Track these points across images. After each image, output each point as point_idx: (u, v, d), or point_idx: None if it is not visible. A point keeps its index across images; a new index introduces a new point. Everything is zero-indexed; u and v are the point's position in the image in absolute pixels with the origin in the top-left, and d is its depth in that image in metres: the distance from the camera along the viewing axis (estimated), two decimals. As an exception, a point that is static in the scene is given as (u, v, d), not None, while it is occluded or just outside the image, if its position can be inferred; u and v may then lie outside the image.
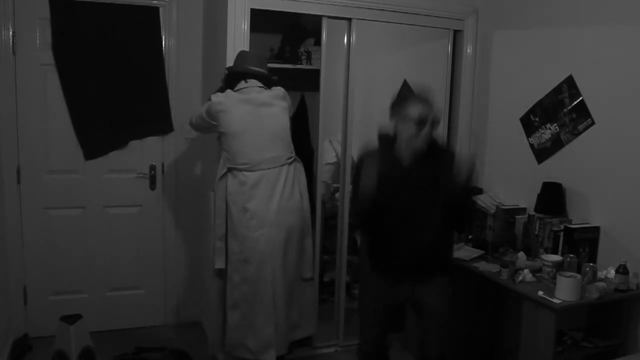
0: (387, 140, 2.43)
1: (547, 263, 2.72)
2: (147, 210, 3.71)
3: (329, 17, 3.25)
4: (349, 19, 3.30)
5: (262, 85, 2.84)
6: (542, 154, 3.22)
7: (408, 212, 2.37)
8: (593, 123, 2.92)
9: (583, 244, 2.83)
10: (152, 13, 3.53)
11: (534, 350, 2.56)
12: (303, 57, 3.67)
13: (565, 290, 2.48)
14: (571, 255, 2.72)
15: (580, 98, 2.97)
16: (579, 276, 2.53)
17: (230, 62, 2.95)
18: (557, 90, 3.10)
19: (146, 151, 3.65)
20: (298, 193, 2.87)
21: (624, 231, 2.77)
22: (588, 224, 2.89)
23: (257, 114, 2.77)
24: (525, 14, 3.33)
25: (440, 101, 3.69)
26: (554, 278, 2.59)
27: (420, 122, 2.30)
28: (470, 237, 3.32)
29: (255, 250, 2.73)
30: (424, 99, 2.34)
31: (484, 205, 3.31)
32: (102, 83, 3.46)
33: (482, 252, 3.14)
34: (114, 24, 3.43)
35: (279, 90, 2.87)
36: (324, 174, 3.56)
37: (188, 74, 3.66)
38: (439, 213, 2.37)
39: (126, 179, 3.63)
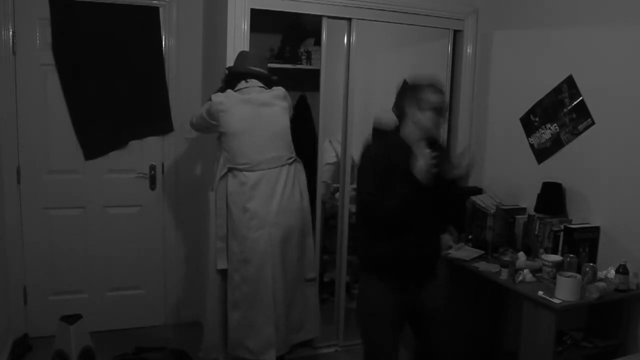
0: (388, 135, 2.36)
1: (547, 263, 2.72)
2: (147, 210, 3.71)
3: (329, 17, 3.25)
4: (349, 19, 3.30)
5: (262, 85, 2.84)
6: (542, 154, 3.22)
7: (420, 211, 2.30)
8: (593, 123, 2.92)
9: (583, 244, 2.83)
10: (152, 13, 3.53)
11: (534, 350, 2.55)
12: (303, 57, 3.68)
13: (565, 290, 2.47)
14: (571, 255, 2.72)
15: (580, 98, 2.97)
16: (579, 276, 2.53)
17: (230, 62, 2.95)
18: (557, 90, 3.10)
19: (146, 151, 3.65)
20: (298, 193, 2.87)
21: (624, 231, 2.76)
22: (588, 224, 2.89)
23: (258, 114, 2.77)
24: (525, 14, 3.33)
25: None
26: (554, 278, 2.59)
27: (440, 110, 2.28)
28: (470, 237, 3.32)
29: (256, 250, 2.73)
30: (439, 87, 2.32)
31: (484, 205, 3.30)
32: (102, 83, 3.46)
33: (482, 252, 3.14)
34: (114, 24, 3.43)
35: (279, 90, 2.87)
36: (324, 174, 3.56)
37: (188, 74, 3.67)
38: (440, 212, 2.37)
39: (126, 179, 3.63)
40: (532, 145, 3.28)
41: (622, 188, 2.77)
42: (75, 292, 3.60)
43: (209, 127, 2.85)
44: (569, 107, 3.04)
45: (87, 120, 3.47)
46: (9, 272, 3.38)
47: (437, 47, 3.67)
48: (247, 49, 3.03)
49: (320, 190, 3.50)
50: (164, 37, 3.58)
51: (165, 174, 3.71)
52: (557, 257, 2.77)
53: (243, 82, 2.81)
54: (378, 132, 2.42)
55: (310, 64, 3.64)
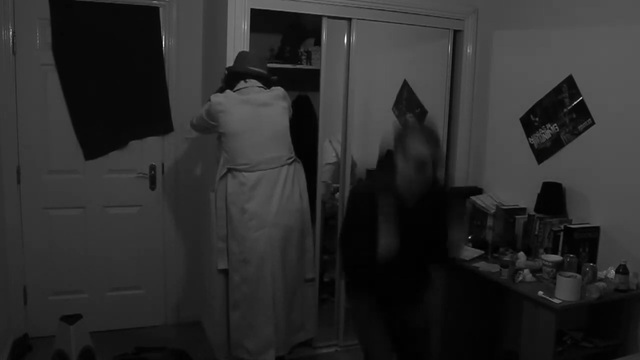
0: (384, 172, 2.24)
1: (547, 263, 2.72)
2: (147, 210, 3.71)
3: (329, 17, 3.25)
4: (349, 19, 3.30)
5: (261, 85, 2.84)
6: (542, 154, 3.22)
7: (409, 252, 2.18)
8: (593, 123, 2.92)
9: (583, 244, 2.83)
10: (152, 13, 3.53)
11: (534, 350, 2.55)
12: (303, 57, 3.68)
13: (565, 290, 2.47)
14: (571, 255, 2.72)
15: (580, 98, 2.97)
16: (579, 276, 2.53)
17: (230, 62, 2.95)
18: (557, 90, 3.10)
19: (146, 151, 3.65)
20: (298, 193, 2.87)
21: (624, 231, 2.76)
22: (588, 224, 2.89)
23: (257, 114, 2.77)
24: (525, 14, 3.33)
25: (440, 101, 3.70)
26: (554, 278, 2.59)
27: (422, 165, 2.05)
28: (470, 237, 3.32)
29: (255, 250, 2.73)
30: (432, 137, 2.09)
31: (484, 205, 3.31)
32: (102, 83, 3.46)
33: (482, 252, 3.14)
34: (114, 24, 3.43)
35: (278, 90, 2.87)
36: (324, 174, 3.56)
37: (188, 74, 3.67)
38: (434, 250, 2.34)
39: (126, 179, 3.63)
40: (532, 145, 3.28)
41: (622, 188, 2.77)
42: (75, 292, 3.60)
43: (209, 127, 2.85)
44: (569, 107, 3.03)
45: (87, 120, 3.47)
46: (9, 272, 3.38)
47: (437, 47, 3.67)
48: (247, 49, 3.03)
49: (320, 190, 3.50)
50: (164, 37, 3.58)
51: (165, 174, 3.71)
52: (557, 257, 2.77)
53: (242, 82, 2.81)
54: (377, 166, 2.35)
55: (310, 64, 3.64)
